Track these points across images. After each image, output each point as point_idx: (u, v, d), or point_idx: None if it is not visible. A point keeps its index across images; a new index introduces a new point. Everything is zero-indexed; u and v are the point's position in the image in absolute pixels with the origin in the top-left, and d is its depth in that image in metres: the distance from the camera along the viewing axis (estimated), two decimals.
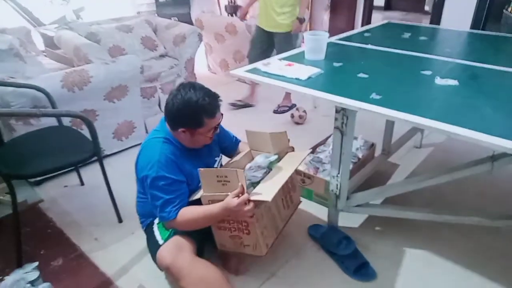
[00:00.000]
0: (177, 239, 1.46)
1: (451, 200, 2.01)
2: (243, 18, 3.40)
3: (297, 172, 2.06)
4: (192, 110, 1.41)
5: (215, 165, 1.66)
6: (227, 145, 1.76)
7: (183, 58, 3.05)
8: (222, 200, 1.38)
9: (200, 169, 1.43)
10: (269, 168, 1.54)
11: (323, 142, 2.33)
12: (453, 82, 1.45)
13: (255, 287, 1.55)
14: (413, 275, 1.59)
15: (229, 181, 1.38)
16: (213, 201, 1.42)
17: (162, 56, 3.15)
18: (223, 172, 1.39)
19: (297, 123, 2.92)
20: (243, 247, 1.50)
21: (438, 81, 1.47)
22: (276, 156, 1.57)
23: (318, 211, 1.94)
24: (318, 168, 2.09)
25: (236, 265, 1.63)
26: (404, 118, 1.23)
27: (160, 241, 1.48)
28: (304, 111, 2.93)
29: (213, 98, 1.44)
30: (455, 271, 1.60)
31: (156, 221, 1.56)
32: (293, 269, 1.64)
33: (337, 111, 1.56)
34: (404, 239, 1.76)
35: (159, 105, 2.85)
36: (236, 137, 1.81)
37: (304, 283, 1.57)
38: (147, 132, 2.69)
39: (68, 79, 2.08)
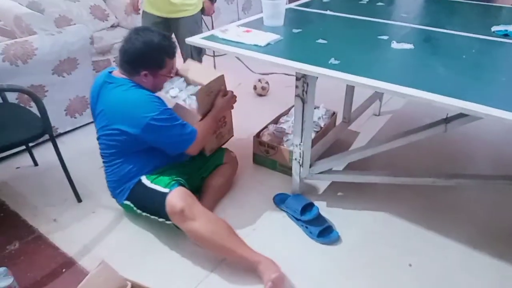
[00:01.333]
0: (182, 189, 1.49)
1: (409, 163, 2.10)
2: (135, 10, 2.59)
3: (260, 143, 2.06)
4: (154, 51, 1.47)
5: None
6: None
7: None
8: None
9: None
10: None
11: (286, 113, 2.33)
12: (409, 46, 1.48)
13: (217, 262, 1.55)
14: (374, 235, 1.66)
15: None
16: (209, 95, 1.64)
17: (113, 26, 2.97)
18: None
19: (260, 95, 2.90)
20: (222, 137, 1.86)
21: (394, 45, 1.49)
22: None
23: (283, 181, 1.96)
24: (281, 139, 2.10)
25: None
26: (361, 82, 1.24)
27: (165, 190, 1.48)
28: (267, 83, 2.90)
29: (170, 39, 1.53)
30: (413, 228, 1.69)
31: (144, 177, 1.55)
32: (259, 237, 1.66)
33: (297, 79, 1.55)
34: (365, 202, 1.83)
35: None
36: None
37: (270, 249, 1.59)
38: None
39: (9, 52, 1.91)
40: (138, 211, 1.60)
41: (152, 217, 1.56)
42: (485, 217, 1.74)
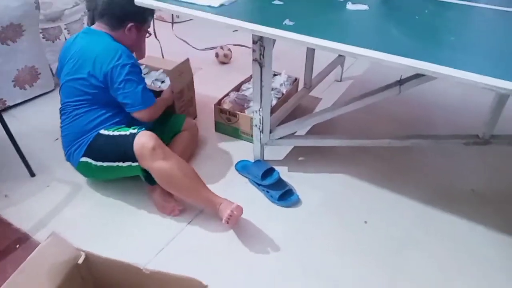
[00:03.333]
0: (150, 132, 1.49)
1: (368, 126, 2.15)
2: None
3: (222, 110, 2.03)
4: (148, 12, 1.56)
5: None
6: None
7: None
8: None
9: None
10: None
11: (248, 80, 2.30)
12: (364, 7, 1.47)
13: (184, 224, 1.57)
14: (334, 197, 1.71)
15: None
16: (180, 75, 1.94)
17: None
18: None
19: (223, 63, 2.84)
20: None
21: (350, 6, 1.48)
22: None
23: (245, 148, 1.96)
24: (243, 106, 2.08)
25: (172, 205, 1.60)
26: (314, 43, 1.23)
27: (132, 131, 1.48)
28: (229, 50, 2.83)
29: None
30: (371, 189, 1.75)
31: (103, 130, 1.53)
32: None
33: (254, 42, 1.51)
34: (326, 166, 1.87)
35: None
36: None
37: None
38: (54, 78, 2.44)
39: None
40: (98, 163, 1.53)
41: (116, 164, 1.51)
42: (439, 177, 1.83)
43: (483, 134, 1.77)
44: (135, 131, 1.49)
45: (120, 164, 1.50)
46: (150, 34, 1.67)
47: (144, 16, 1.58)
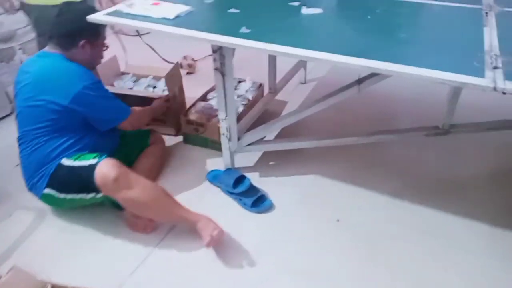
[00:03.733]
0: (112, 159, 1.45)
1: (335, 126, 2.19)
2: None
3: (189, 121, 2.01)
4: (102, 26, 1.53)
5: None
6: None
7: None
8: None
9: None
10: None
11: (213, 89, 2.29)
12: (318, 11, 1.50)
13: (157, 241, 1.53)
14: (305, 198, 1.73)
15: None
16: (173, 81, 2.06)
17: (15, 10, 2.67)
18: None
19: (188, 73, 2.82)
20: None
21: (304, 10, 1.51)
22: None
23: (215, 157, 1.95)
24: (210, 115, 2.07)
25: (144, 223, 1.56)
26: (271, 49, 1.24)
27: (92, 161, 1.43)
28: (193, 59, 2.82)
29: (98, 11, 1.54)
30: (342, 187, 1.78)
31: (65, 160, 1.46)
32: None
33: (213, 51, 1.51)
34: (296, 168, 1.89)
35: None
36: None
37: None
38: (10, 102, 2.34)
39: None
40: (62, 195, 1.48)
41: (79, 196, 1.46)
42: (405, 169, 1.88)
43: (442, 125, 1.84)
44: (95, 160, 1.42)
45: (84, 196, 1.46)
46: (107, 47, 1.62)
47: (97, 30, 1.55)
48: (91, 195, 1.45)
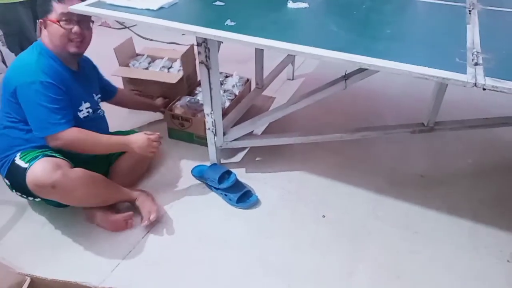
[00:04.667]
0: (48, 158, 1.35)
1: (320, 123, 2.19)
2: None
3: (174, 116, 1.99)
4: None
5: (95, 98, 1.64)
6: (108, 87, 1.85)
7: None
8: None
9: None
10: None
11: (199, 84, 2.27)
12: (304, 5, 1.49)
13: (140, 236, 1.52)
14: (291, 194, 1.73)
15: None
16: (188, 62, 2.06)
17: None
18: None
19: None
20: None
21: (290, 4, 1.50)
22: None
23: (201, 153, 1.93)
24: (196, 110, 2.05)
25: (122, 218, 1.54)
26: (255, 42, 1.23)
27: (25, 165, 1.34)
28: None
29: None
30: (327, 183, 1.78)
31: (18, 155, 1.40)
32: (180, 210, 1.63)
33: (198, 44, 1.49)
34: (282, 164, 1.88)
35: (3, 61, 2.40)
36: (112, 85, 1.90)
37: (191, 221, 1.59)
38: None
39: None
40: (14, 192, 1.46)
41: (24, 197, 1.45)
42: (390, 165, 1.89)
43: (427, 122, 1.86)
44: (27, 164, 1.34)
45: (27, 198, 1.44)
46: (77, 33, 1.43)
47: (46, 8, 1.42)
48: (31, 198, 1.43)
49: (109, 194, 1.53)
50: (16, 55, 2.06)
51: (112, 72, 2.18)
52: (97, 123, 1.61)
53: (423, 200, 1.68)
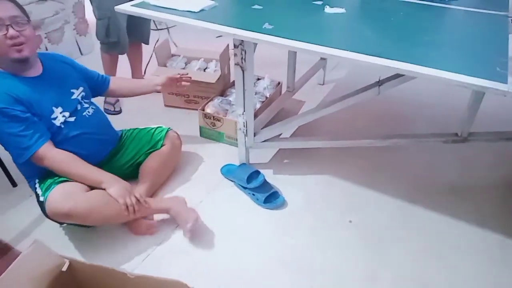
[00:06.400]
0: (60, 187, 1.35)
1: (350, 127, 2.19)
2: None
3: (206, 115, 2.04)
4: None
5: (73, 97, 1.51)
6: (94, 82, 1.69)
7: (69, 2, 2.70)
8: None
9: None
10: None
11: (231, 85, 2.32)
12: (341, 10, 1.51)
13: (170, 229, 1.56)
14: (317, 197, 1.73)
15: None
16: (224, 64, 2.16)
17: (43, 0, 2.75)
18: None
19: None
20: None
21: (328, 9, 1.52)
22: None
23: (230, 152, 1.97)
24: (227, 110, 2.09)
25: (145, 225, 1.55)
26: (293, 45, 1.25)
27: (41, 197, 1.37)
28: None
29: None
30: (354, 188, 1.78)
31: (37, 182, 1.44)
32: (208, 208, 1.67)
33: (235, 46, 1.53)
34: (309, 167, 1.89)
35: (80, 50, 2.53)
36: (102, 75, 1.75)
37: (219, 217, 1.62)
38: None
39: None
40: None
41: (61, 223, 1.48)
42: (419, 174, 1.87)
43: (461, 132, 1.82)
44: (43, 198, 1.36)
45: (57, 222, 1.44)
46: (29, 20, 1.36)
47: None
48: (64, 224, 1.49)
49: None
50: (101, 42, 2.20)
51: (152, 72, 2.27)
52: (85, 125, 1.50)
53: (453, 210, 1.65)
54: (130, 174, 1.69)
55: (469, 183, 1.82)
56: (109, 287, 1.10)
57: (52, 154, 1.35)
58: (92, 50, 2.93)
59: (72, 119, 1.47)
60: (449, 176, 1.86)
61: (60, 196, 1.33)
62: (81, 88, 1.56)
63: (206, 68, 2.39)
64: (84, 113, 1.53)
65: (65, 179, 1.41)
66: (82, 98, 1.55)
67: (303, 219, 1.62)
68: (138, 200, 1.42)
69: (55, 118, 1.41)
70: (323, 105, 1.78)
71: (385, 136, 1.82)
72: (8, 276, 0.99)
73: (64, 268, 1.08)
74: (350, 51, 1.20)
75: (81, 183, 1.40)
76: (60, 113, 1.43)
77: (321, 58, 2.48)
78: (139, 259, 1.44)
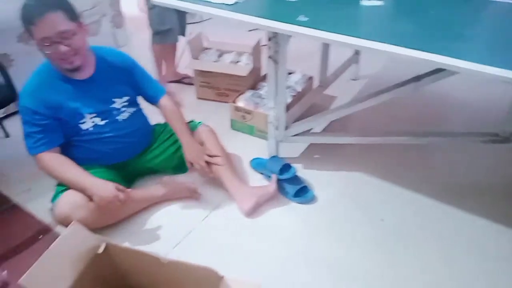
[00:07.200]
0: (65, 198, 1.41)
1: (384, 124, 2.14)
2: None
3: (237, 108, 2.06)
4: (21, 19, 1.28)
5: (112, 105, 1.51)
6: (148, 92, 1.64)
7: None
8: None
9: None
10: None
11: (263, 79, 2.32)
12: (379, 3, 1.47)
13: (201, 218, 1.59)
14: (348, 194, 1.71)
15: None
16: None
17: None
18: None
19: None
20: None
21: (364, 2, 1.48)
22: None
23: (260, 146, 1.97)
24: (258, 104, 2.10)
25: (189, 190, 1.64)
26: (329, 38, 1.23)
27: (52, 202, 1.46)
28: None
29: (36, 1, 1.26)
30: (385, 186, 1.74)
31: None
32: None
33: (269, 39, 1.53)
34: (340, 164, 1.87)
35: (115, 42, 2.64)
36: (159, 88, 1.66)
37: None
38: None
39: None
40: None
41: None
42: (455, 173, 1.80)
43: (502, 132, 1.74)
44: (50, 206, 1.47)
45: None
46: (81, 22, 1.35)
47: (27, 30, 1.29)
48: None
49: (137, 207, 1.57)
50: (155, 32, 2.25)
51: (186, 64, 2.31)
52: (115, 129, 1.52)
53: (488, 213, 1.57)
54: (161, 167, 1.73)
55: (507, 186, 1.73)
56: (142, 270, 1.14)
57: (45, 161, 1.40)
58: (127, 42, 3.01)
59: (102, 122, 1.49)
60: (488, 177, 1.78)
61: (64, 209, 1.39)
62: (125, 98, 1.55)
63: (238, 61, 2.40)
64: (118, 117, 1.53)
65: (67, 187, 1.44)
66: (123, 106, 1.54)
67: (331, 216, 1.60)
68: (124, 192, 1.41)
69: (83, 123, 1.46)
70: (356, 100, 1.75)
71: (420, 134, 1.76)
72: (48, 256, 1.04)
73: (100, 250, 1.12)
74: (388, 44, 1.17)
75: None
76: (91, 118, 1.46)
77: (355, 53, 2.43)
78: (170, 245, 1.48)
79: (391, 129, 2.10)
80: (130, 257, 1.13)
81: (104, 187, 1.37)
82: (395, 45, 1.16)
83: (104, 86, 1.47)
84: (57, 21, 1.26)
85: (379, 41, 1.18)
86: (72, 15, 1.32)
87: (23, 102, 1.37)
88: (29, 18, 1.24)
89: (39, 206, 1.63)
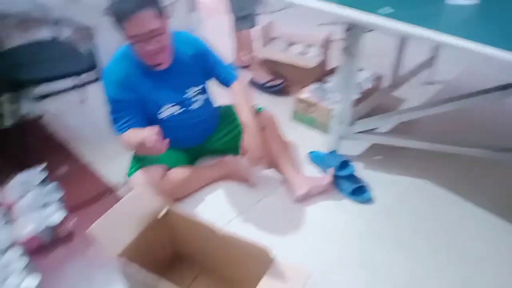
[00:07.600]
0: (139, 174, 1.50)
1: (457, 132, 2.00)
2: None
3: (300, 100, 2.04)
4: (111, 15, 1.27)
5: (186, 95, 1.53)
6: (221, 75, 1.58)
7: None
8: None
9: None
10: None
11: (329, 73, 2.28)
12: (473, 1, 1.36)
13: (254, 201, 1.62)
14: (406, 201, 1.63)
15: None
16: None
17: None
18: None
19: None
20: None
21: (457, 0, 1.38)
22: None
23: (320, 139, 1.94)
24: (322, 97, 2.06)
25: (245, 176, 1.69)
26: (417, 32, 1.17)
27: (127, 173, 1.56)
28: None
29: None
30: (446, 197, 1.64)
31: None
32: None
33: (347, 30, 1.49)
34: (403, 168, 1.78)
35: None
36: (231, 71, 1.59)
37: (301, 203, 1.62)
38: None
39: None
40: None
41: None
42: None
43: None
44: (127, 175, 1.56)
45: None
46: (166, 17, 1.33)
47: (119, 27, 1.29)
48: None
49: (204, 181, 1.66)
50: (236, 18, 2.32)
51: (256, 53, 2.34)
52: (188, 117, 1.56)
53: None
54: (224, 149, 1.75)
55: None
56: (197, 239, 1.18)
57: (127, 138, 1.40)
58: (198, 25, 3.12)
59: (178, 112, 1.54)
60: None
61: (141, 177, 1.49)
62: (199, 87, 1.56)
63: (306, 53, 2.37)
64: (190, 106, 1.56)
65: (144, 164, 1.52)
66: (196, 94, 1.57)
67: (387, 220, 1.54)
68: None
69: (160, 113, 1.51)
70: (430, 103, 1.65)
71: (501, 149, 1.61)
72: (113, 212, 1.11)
73: (162, 214, 1.17)
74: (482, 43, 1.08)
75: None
76: (167, 109, 1.51)
77: (431, 57, 2.29)
78: (224, 221, 1.51)
79: (462, 139, 1.96)
80: (188, 225, 1.17)
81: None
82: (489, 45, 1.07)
83: (180, 76, 1.50)
84: (148, 19, 1.25)
85: (469, 39, 1.10)
86: (162, 12, 1.31)
87: (108, 92, 1.42)
88: (121, 14, 1.24)
89: (108, 168, 1.76)
